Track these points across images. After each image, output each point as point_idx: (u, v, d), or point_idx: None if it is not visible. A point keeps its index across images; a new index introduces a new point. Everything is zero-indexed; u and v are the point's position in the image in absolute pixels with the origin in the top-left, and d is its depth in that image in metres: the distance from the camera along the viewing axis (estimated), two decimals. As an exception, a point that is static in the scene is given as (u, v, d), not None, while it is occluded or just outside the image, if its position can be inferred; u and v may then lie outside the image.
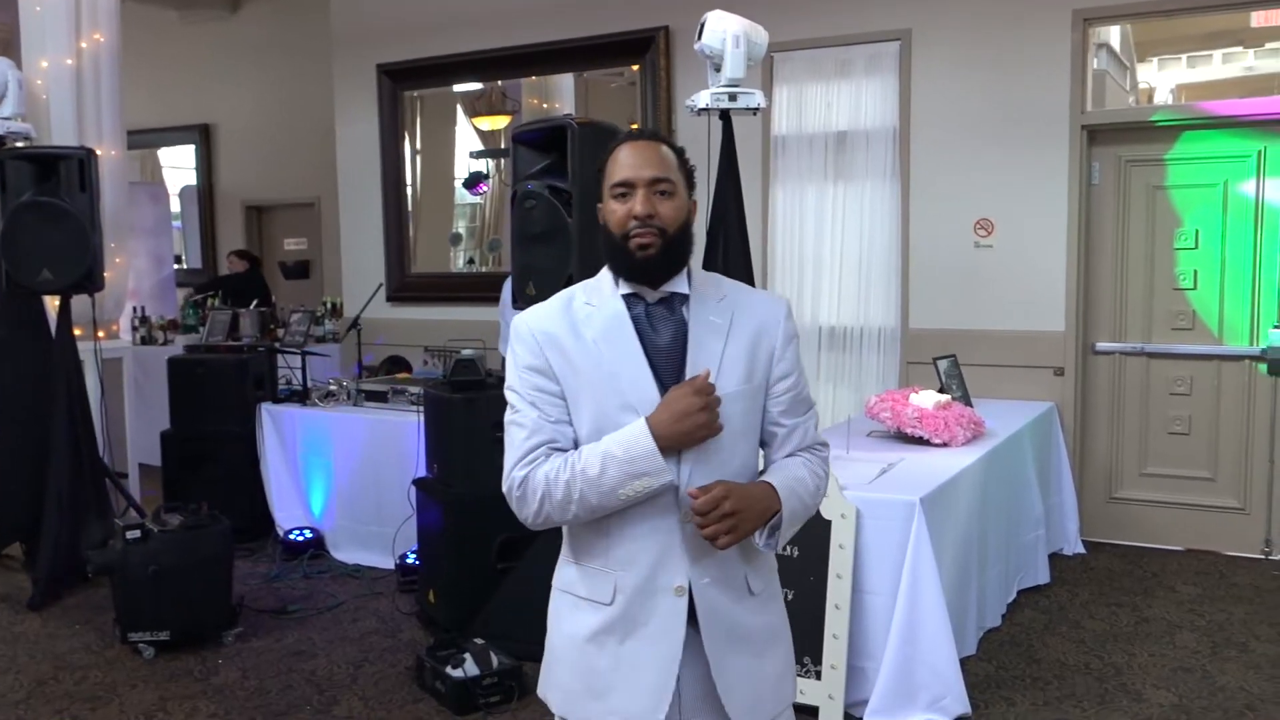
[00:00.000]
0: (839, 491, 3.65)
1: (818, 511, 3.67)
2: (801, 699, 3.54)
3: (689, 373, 1.83)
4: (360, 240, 7.92)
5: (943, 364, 5.25)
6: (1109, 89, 6.20)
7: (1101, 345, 5.72)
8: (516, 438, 1.85)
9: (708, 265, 4.68)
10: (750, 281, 4.65)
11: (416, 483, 4.78)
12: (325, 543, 5.65)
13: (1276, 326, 5.34)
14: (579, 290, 1.93)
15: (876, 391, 5.75)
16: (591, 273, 4.09)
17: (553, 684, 1.95)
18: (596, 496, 1.77)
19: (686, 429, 1.76)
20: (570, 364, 1.84)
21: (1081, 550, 5.54)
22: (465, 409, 4.46)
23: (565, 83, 7.63)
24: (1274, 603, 4.77)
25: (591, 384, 1.83)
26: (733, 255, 4.60)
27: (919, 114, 5.90)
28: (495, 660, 3.83)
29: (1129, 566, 5.33)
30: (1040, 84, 5.61)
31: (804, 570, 3.68)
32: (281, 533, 5.68)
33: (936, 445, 4.45)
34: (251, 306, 7.20)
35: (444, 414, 4.57)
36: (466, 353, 4.67)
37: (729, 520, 1.75)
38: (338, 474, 5.58)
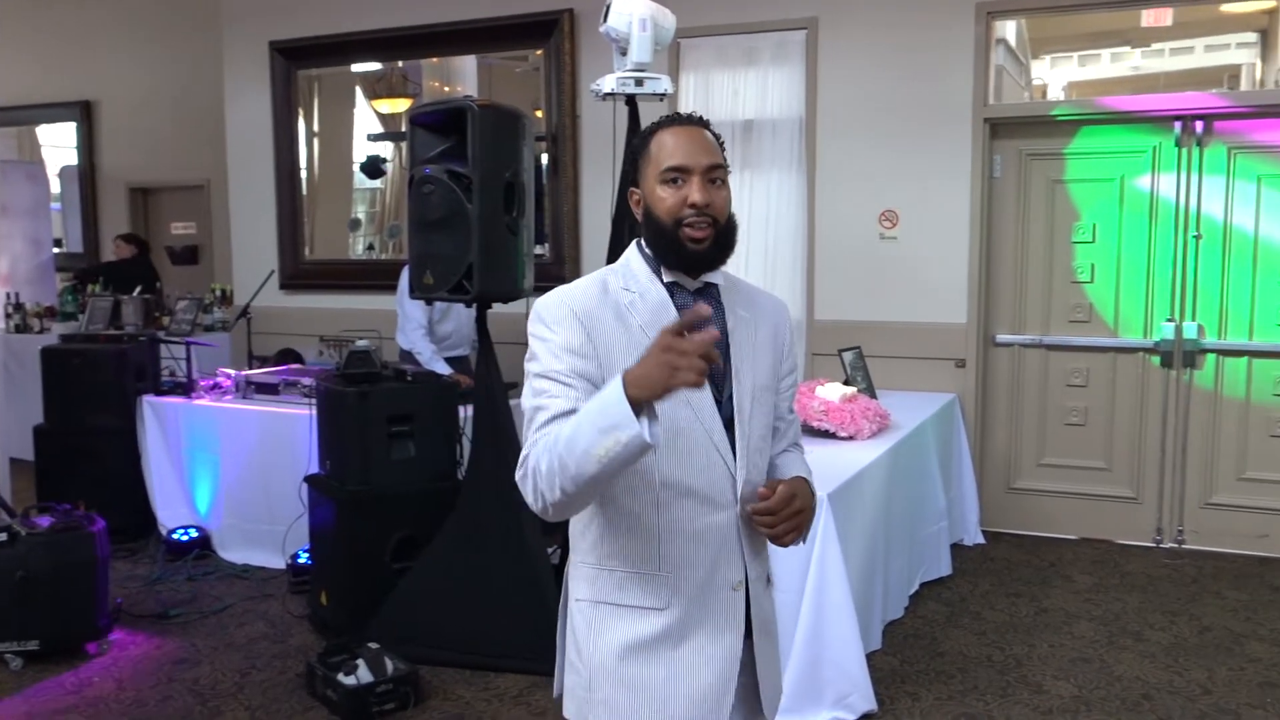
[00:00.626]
0: (745, 487, 3.57)
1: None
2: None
3: (734, 367, 1.81)
4: (252, 225, 7.61)
5: (848, 355, 5.24)
6: (1006, 84, 6.29)
7: (1001, 337, 5.78)
8: (537, 421, 1.70)
9: (613, 254, 4.58)
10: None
11: (308, 479, 4.58)
12: (211, 542, 5.39)
13: (1169, 319, 5.46)
14: (609, 275, 1.82)
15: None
16: (495, 261, 3.99)
17: (598, 703, 1.80)
18: (574, 462, 1.58)
19: (650, 369, 1.54)
20: (617, 351, 1.73)
21: (981, 540, 5.60)
22: (359, 403, 4.27)
23: (468, 66, 7.43)
24: (1165, 591, 4.87)
25: None
26: (638, 245, 4.49)
27: (825, 104, 5.88)
28: (390, 665, 3.67)
29: (1027, 556, 5.40)
30: (944, 76, 5.63)
31: (710, 568, 3.60)
32: (164, 532, 5.40)
33: (843, 439, 4.42)
34: (135, 293, 6.86)
35: (337, 408, 4.37)
36: (361, 344, 4.48)
37: (798, 518, 1.75)
38: (225, 470, 5.33)
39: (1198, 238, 5.37)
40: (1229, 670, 3.98)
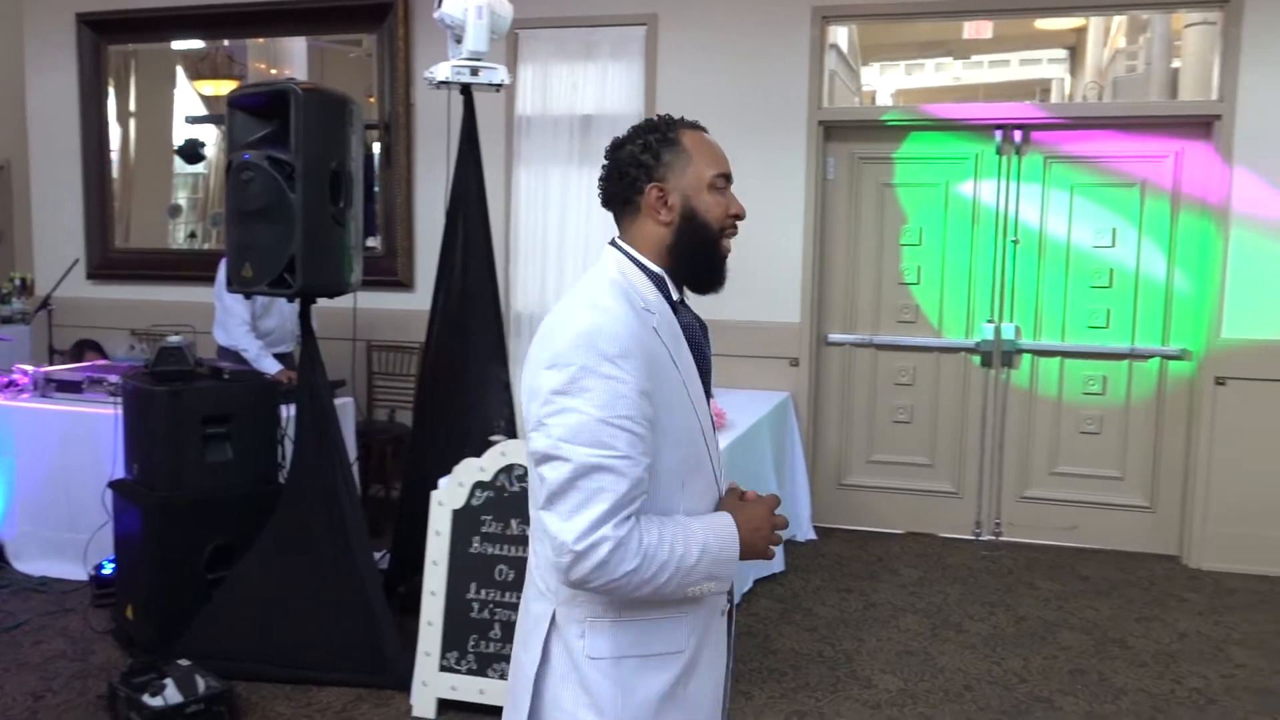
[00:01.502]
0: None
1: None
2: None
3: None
4: (56, 209, 7.07)
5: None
6: (838, 89, 6.44)
7: (833, 336, 5.90)
8: (609, 485, 1.50)
9: (447, 246, 4.45)
10: (490, 265, 4.45)
11: (113, 485, 4.26)
12: (5, 553, 4.97)
13: (989, 321, 5.67)
14: (627, 293, 1.63)
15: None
16: (319, 253, 3.80)
17: None
18: (675, 586, 1.56)
19: (760, 543, 1.67)
20: (664, 386, 1.59)
21: (813, 536, 5.70)
22: (171, 402, 3.99)
23: (297, 49, 7.09)
24: (984, 582, 5.06)
25: (682, 409, 1.63)
26: (473, 237, 4.38)
27: (665, 101, 5.86)
28: (202, 684, 3.44)
29: (857, 551, 5.53)
30: (780, 77, 5.69)
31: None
32: (-50, 542, 4.96)
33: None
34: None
35: (146, 408, 4.08)
36: (173, 339, 4.19)
37: None
38: (21, 474, 4.91)
39: (1015, 242, 5.60)
40: (1043, 659, 4.16)
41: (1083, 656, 4.18)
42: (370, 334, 6.26)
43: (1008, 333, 5.64)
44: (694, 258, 1.68)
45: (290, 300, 3.87)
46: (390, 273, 6.33)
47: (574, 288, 1.69)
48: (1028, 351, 5.65)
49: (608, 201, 1.74)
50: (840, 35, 6.24)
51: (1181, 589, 5.03)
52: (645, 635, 1.63)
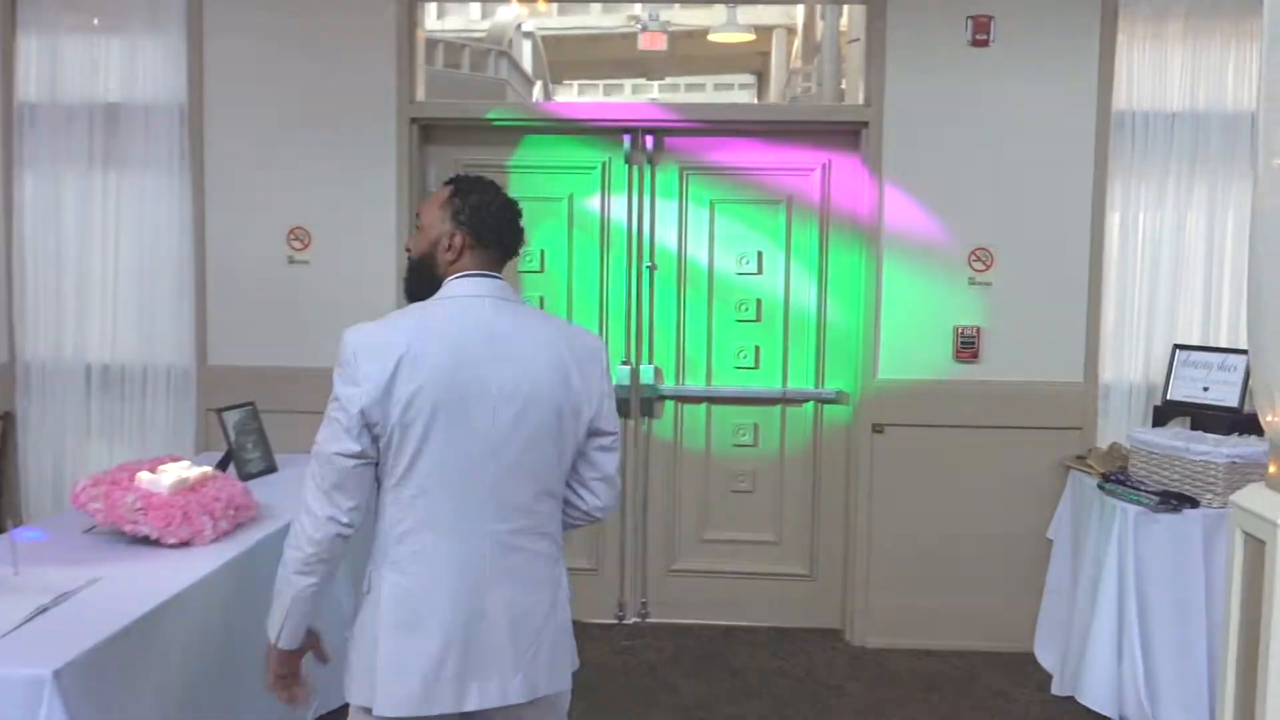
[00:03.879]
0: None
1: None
2: None
3: None
4: None
5: (233, 416, 4.02)
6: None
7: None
8: None
9: None
10: None
11: None
12: None
13: (625, 362, 4.76)
14: None
15: (169, 449, 4.43)
16: None
17: None
18: None
19: None
20: None
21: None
22: None
23: None
24: (614, 690, 4.10)
25: None
26: None
27: (214, 89, 4.58)
28: None
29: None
30: (363, 63, 4.55)
31: None
32: None
33: (172, 546, 3.13)
34: None
35: None
36: None
37: None
38: None
39: (652, 268, 4.73)
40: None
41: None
42: None
43: (647, 376, 4.75)
44: None
45: None
46: None
47: (529, 313, 2.25)
48: (670, 398, 4.78)
49: (518, 249, 2.29)
50: (524, 49, 5.47)
51: (841, 676, 4.27)
52: None
